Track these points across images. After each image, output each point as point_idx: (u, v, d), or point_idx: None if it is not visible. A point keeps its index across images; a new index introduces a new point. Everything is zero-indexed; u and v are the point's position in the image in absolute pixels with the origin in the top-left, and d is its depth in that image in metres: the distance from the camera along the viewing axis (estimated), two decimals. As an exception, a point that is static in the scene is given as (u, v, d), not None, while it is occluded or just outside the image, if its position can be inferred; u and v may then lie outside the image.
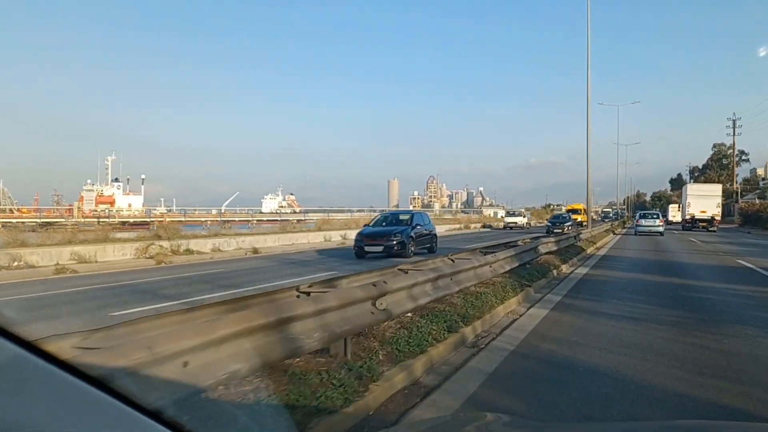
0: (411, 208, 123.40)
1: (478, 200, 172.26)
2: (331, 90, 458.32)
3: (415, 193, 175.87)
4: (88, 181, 66.85)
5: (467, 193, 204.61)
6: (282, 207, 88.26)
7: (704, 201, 35.20)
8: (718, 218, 35.72)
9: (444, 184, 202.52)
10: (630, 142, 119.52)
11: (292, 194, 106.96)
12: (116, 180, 67.76)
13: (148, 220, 48.43)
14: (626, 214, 76.79)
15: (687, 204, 36.42)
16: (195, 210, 62.90)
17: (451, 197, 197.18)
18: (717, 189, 37.40)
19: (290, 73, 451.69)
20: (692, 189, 37.81)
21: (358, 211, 67.67)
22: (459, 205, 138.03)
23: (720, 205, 36.17)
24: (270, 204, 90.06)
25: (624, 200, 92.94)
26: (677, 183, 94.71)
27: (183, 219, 51.10)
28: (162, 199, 72.68)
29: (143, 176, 72.12)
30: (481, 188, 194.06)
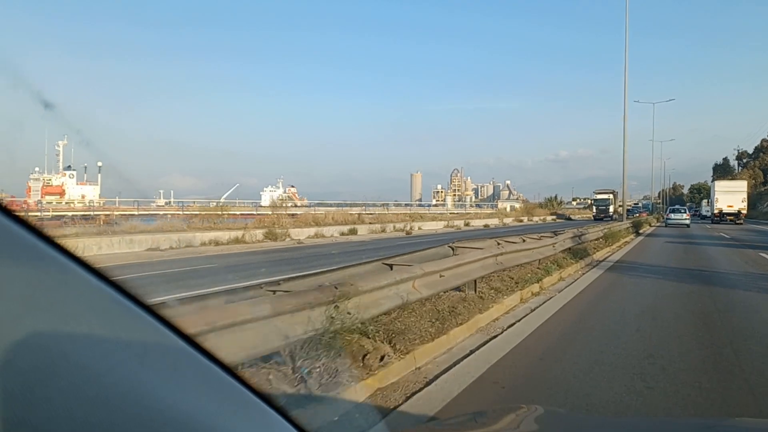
0: (434, 202, 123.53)
1: (504, 194, 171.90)
2: (356, 84, 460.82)
3: (439, 186, 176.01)
4: (36, 169, 58.63)
5: (493, 187, 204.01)
6: (282, 200, 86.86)
7: (730, 196, 39.01)
8: (744, 212, 39.73)
9: (469, 177, 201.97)
10: (663, 133, 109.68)
11: (293, 186, 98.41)
12: (69, 168, 60.18)
13: (91, 213, 42.52)
14: (642, 210, 61.16)
15: (715, 199, 40.42)
16: (194, 202, 58.22)
17: (476, 191, 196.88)
18: (742, 185, 41.23)
19: (311, 64, 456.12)
20: (719, 186, 41.56)
21: (382, 205, 61.37)
22: (471, 200, 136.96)
23: (745, 200, 40.02)
24: (270, 196, 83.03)
25: (659, 193, 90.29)
26: (723, 169, 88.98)
27: (135, 212, 43.15)
28: (161, 191, 64.11)
29: (100, 163, 61.63)
30: (507, 181, 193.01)
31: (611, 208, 48.40)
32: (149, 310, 0.63)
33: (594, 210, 52.90)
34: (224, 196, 77.73)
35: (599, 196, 53.06)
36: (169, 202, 59.56)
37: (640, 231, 24.93)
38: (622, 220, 25.05)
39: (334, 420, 2.92)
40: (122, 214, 40.94)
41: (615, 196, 50.39)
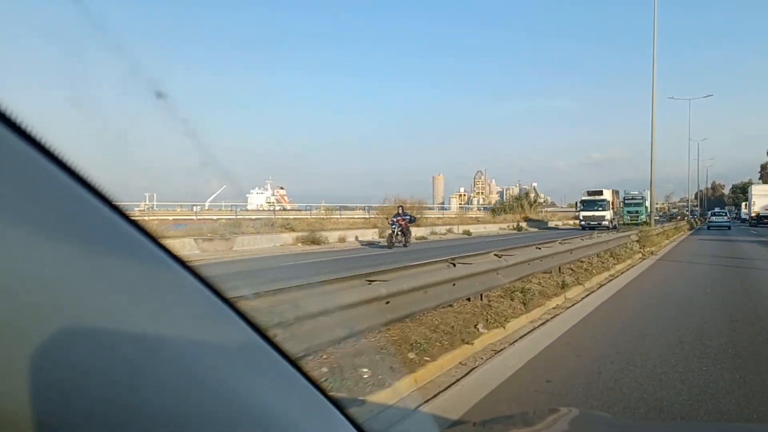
0: (455, 205, 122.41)
1: (531, 197, 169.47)
2: (380, 84, 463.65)
3: (461, 189, 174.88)
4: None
5: (519, 189, 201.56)
6: (270, 203, 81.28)
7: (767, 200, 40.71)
8: None
9: (493, 180, 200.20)
10: (700, 133, 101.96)
11: (282, 188, 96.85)
12: None
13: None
14: (673, 214, 51.72)
15: (752, 203, 42.49)
16: (179, 207, 55.34)
17: (501, 194, 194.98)
18: None
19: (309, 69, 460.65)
20: (756, 189, 43.80)
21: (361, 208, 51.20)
22: (480, 203, 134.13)
23: None
24: (257, 199, 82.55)
25: (696, 195, 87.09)
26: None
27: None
28: (146, 194, 61.20)
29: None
30: (534, 184, 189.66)
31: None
32: (230, 304, 0.66)
33: None
34: (209, 199, 72.59)
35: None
36: (152, 207, 55.80)
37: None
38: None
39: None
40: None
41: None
